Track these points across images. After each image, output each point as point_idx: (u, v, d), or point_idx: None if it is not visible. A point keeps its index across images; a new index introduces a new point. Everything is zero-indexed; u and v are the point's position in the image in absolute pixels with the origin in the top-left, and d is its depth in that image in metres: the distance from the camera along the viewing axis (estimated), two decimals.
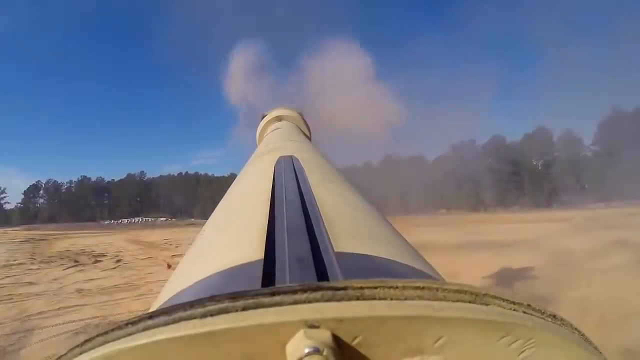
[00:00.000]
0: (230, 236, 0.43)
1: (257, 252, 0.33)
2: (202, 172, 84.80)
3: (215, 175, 78.70)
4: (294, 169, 0.64)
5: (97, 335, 0.21)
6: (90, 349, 0.20)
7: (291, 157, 0.72)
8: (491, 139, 57.79)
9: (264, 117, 1.66)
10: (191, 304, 0.20)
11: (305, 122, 1.63)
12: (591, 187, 48.10)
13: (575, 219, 21.19)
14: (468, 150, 56.95)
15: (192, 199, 73.26)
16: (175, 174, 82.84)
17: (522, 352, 0.21)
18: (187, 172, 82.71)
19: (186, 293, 0.32)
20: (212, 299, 0.20)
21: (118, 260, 14.50)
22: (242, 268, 0.32)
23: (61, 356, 0.22)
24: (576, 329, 0.24)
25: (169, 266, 11.99)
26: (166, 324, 0.20)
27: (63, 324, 6.93)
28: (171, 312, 0.20)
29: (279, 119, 1.61)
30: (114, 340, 0.20)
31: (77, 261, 14.56)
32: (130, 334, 0.20)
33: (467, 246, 13.11)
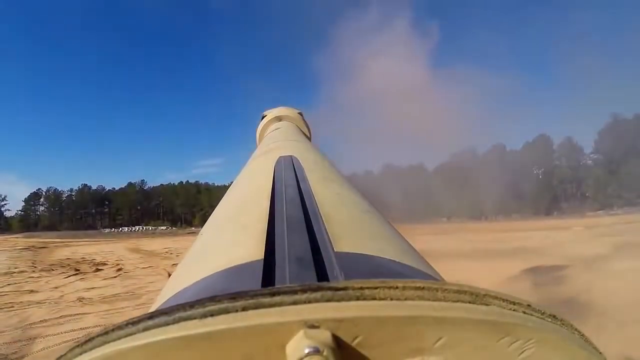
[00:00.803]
0: (230, 236, 0.43)
1: (257, 252, 0.33)
2: (202, 181, 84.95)
3: (216, 184, 78.79)
4: (294, 168, 0.63)
5: (97, 335, 0.21)
6: (91, 349, 0.20)
7: (291, 156, 0.71)
8: (491, 147, 58.02)
9: (263, 117, 1.64)
10: (191, 304, 0.20)
11: (305, 122, 1.61)
12: (591, 195, 48.01)
13: (576, 227, 21.17)
14: (468, 159, 56.93)
15: (193, 207, 73.20)
16: (176, 183, 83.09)
17: (522, 352, 0.21)
18: (187, 181, 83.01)
19: (186, 293, 0.32)
20: (212, 299, 0.20)
21: (119, 269, 14.48)
22: (242, 268, 0.32)
23: (61, 356, 0.22)
24: (576, 329, 0.23)
25: (170, 276, 11.94)
26: (166, 324, 0.19)
27: (65, 332, 6.94)
28: (171, 312, 0.20)
29: (279, 119, 1.59)
30: (114, 340, 0.20)
31: (78, 269, 14.56)
32: (130, 334, 0.20)
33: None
